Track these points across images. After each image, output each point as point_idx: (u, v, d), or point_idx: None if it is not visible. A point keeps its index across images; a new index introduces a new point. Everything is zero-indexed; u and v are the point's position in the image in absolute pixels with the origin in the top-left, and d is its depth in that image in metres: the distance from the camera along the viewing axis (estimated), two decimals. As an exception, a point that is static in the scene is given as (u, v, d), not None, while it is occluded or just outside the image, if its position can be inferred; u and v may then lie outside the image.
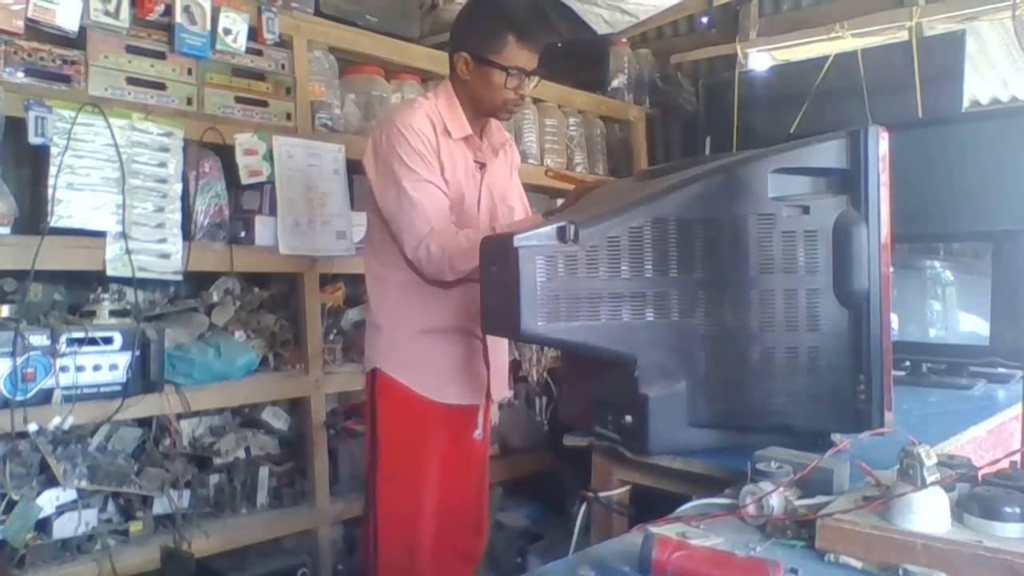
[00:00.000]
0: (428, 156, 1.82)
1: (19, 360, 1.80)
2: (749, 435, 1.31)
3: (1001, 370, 2.08)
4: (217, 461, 2.23)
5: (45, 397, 1.85)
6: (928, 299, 2.30)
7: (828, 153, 1.31)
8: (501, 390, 2.09)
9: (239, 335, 2.34)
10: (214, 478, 2.25)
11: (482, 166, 1.97)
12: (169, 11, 2.15)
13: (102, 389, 1.94)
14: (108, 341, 1.95)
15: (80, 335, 1.89)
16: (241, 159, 2.30)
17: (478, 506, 2.15)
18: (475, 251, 1.71)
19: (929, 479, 0.91)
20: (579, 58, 3.72)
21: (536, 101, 3.21)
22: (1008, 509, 0.89)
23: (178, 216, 2.17)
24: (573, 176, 2.99)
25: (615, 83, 3.62)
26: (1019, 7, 2.57)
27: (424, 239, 1.78)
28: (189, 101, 2.22)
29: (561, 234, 1.24)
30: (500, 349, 2.08)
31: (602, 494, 1.45)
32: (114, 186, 2.05)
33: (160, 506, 2.09)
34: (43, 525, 1.89)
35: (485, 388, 2.00)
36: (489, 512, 2.96)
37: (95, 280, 2.08)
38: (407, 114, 1.86)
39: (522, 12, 1.88)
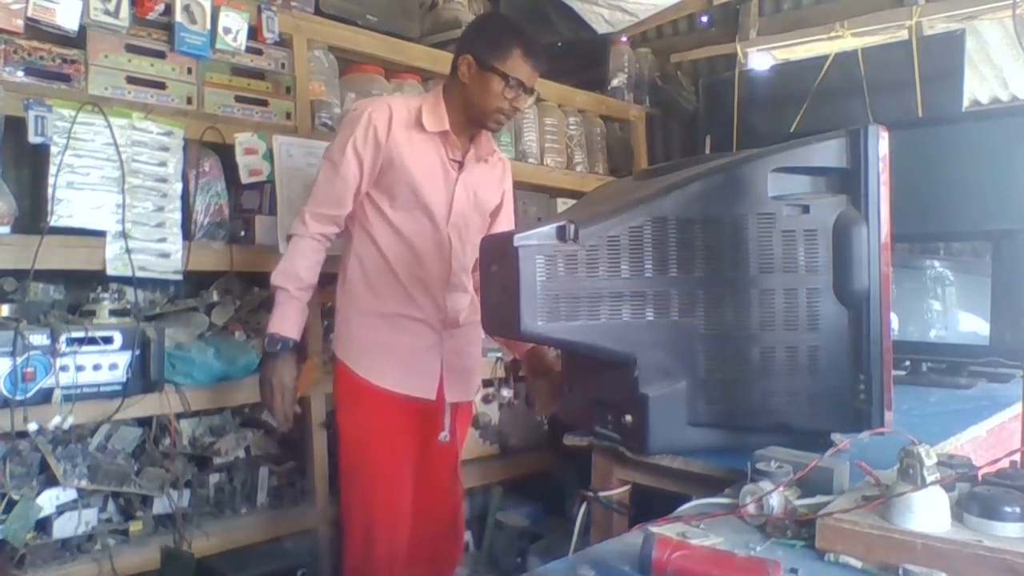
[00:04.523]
0: (363, 146, 1.90)
1: (19, 360, 1.80)
2: (749, 435, 1.31)
3: (1001, 370, 2.07)
4: (217, 461, 2.23)
5: (45, 397, 1.84)
6: (928, 299, 2.30)
7: (828, 152, 1.31)
8: (460, 393, 2.08)
9: (239, 335, 2.33)
10: (214, 478, 2.25)
11: (459, 165, 2.00)
12: (169, 10, 2.15)
13: (102, 389, 1.94)
14: (108, 341, 1.94)
15: (80, 335, 1.89)
16: (241, 158, 2.29)
17: (452, 510, 2.15)
18: (287, 256, 1.94)
19: (929, 479, 0.91)
20: (579, 57, 3.72)
21: (536, 101, 3.20)
22: (1008, 509, 0.89)
23: (178, 216, 2.17)
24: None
25: (615, 82, 3.62)
26: (1019, 6, 2.56)
27: (304, 210, 1.96)
28: (189, 100, 2.22)
29: (561, 233, 1.24)
30: (469, 351, 2.10)
31: (602, 494, 1.45)
32: (114, 185, 2.05)
33: (160, 506, 2.09)
34: (43, 525, 1.89)
35: (436, 385, 1.99)
36: (489, 512, 2.98)
37: (95, 280, 2.08)
38: (372, 103, 1.97)
39: (531, 32, 1.98)
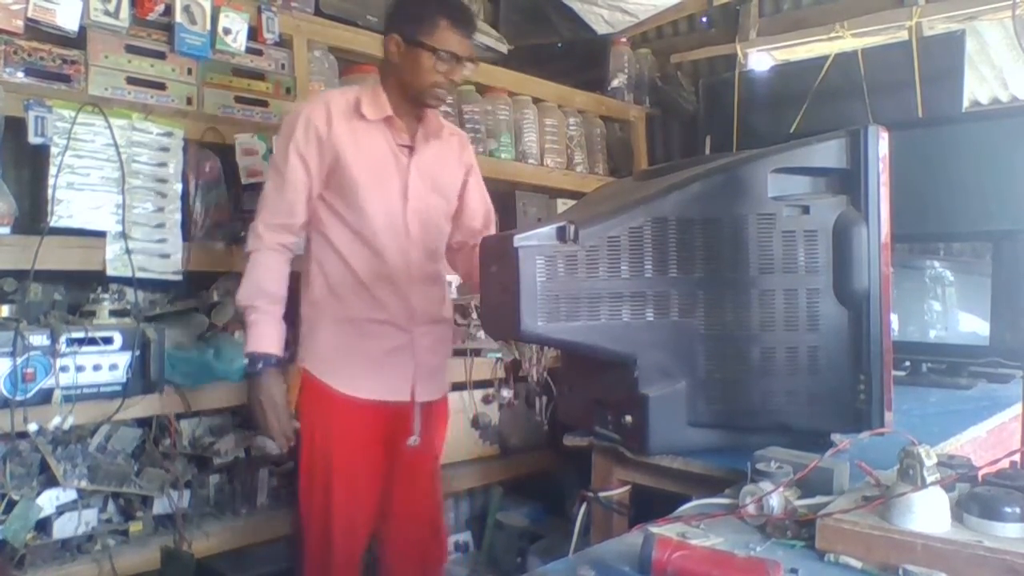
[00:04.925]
0: (305, 147, 1.84)
1: (19, 360, 1.80)
2: (749, 435, 1.31)
3: (1001, 370, 2.07)
4: (217, 461, 2.23)
5: (45, 397, 1.85)
6: (928, 299, 2.30)
7: (828, 153, 1.31)
8: (431, 391, 2.00)
9: (239, 335, 2.33)
10: (214, 478, 2.25)
11: (409, 149, 1.93)
12: (169, 11, 2.15)
13: (102, 389, 1.94)
14: (108, 341, 1.94)
15: (80, 335, 1.89)
16: (241, 159, 2.29)
17: (433, 512, 2.11)
18: (248, 274, 1.86)
19: (929, 479, 0.91)
20: (579, 58, 3.72)
21: (536, 101, 3.21)
22: (1008, 509, 0.89)
23: (178, 216, 2.17)
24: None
25: (615, 83, 3.62)
26: (1019, 7, 2.56)
27: (257, 222, 1.88)
28: (189, 101, 2.22)
29: (561, 234, 1.24)
30: (438, 348, 2.03)
31: (602, 494, 1.45)
32: (114, 186, 2.05)
33: (160, 506, 2.09)
34: (43, 525, 1.89)
35: (409, 386, 1.93)
36: (489, 512, 2.98)
37: (95, 280, 2.08)
38: (308, 103, 1.93)
39: (455, 1, 1.91)
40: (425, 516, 2.07)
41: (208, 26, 2.22)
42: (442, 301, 2.04)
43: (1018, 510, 0.89)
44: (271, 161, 1.93)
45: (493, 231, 2.13)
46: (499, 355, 2.83)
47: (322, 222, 1.90)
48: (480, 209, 2.12)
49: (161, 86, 2.17)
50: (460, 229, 2.10)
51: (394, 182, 1.90)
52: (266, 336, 1.85)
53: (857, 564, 0.91)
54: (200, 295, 2.35)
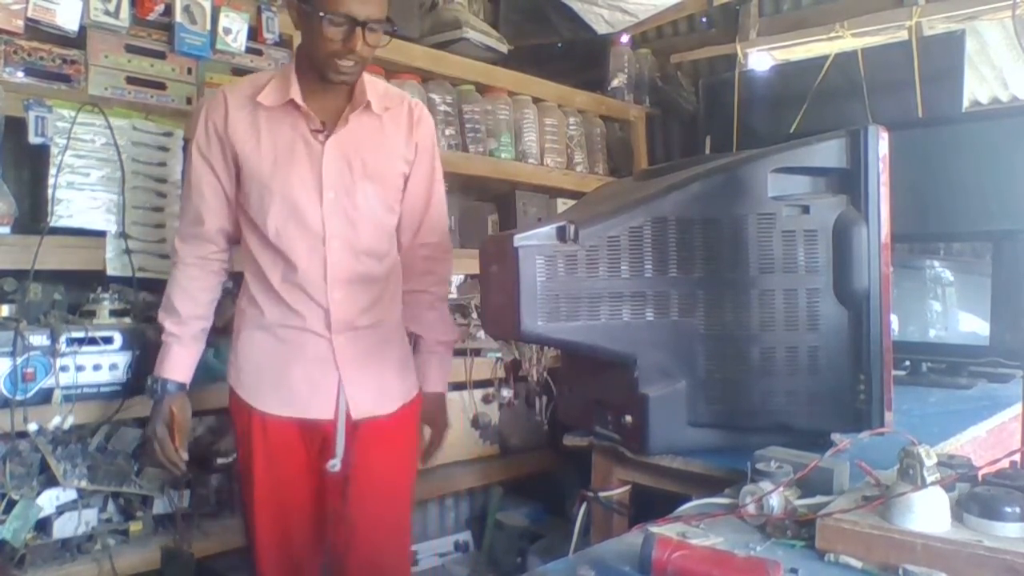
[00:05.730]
0: (207, 147, 1.69)
1: (19, 360, 1.80)
2: (749, 435, 1.31)
3: (1001, 370, 2.07)
4: (217, 461, 2.23)
5: (45, 397, 1.85)
6: (928, 299, 2.30)
7: (828, 153, 1.31)
8: (368, 407, 1.73)
9: (239, 335, 2.34)
10: (214, 478, 2.25)
11: (324, 133, 1.67)
12: (169, 11, 2.15)
13: (102, 389, 1.94)
14: (108, 341, 1.95)
15: (80, 335, 1.89)
16: (241, 159, 2.29)
17: (380, 544, 1.80)
18: (166, 289, 1.75)
19: (929, 479, 0.91)
20: (579, 57, 3.72)
21: (536, 101, 3.21)
22: (1008, 509, 0.89)
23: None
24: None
25: (615, 83, 3.62)
26: (1019, 7, 2.57)
27: (177, 235, 1.79)
28: (189, 101, 2.22)
29: (561, 234, 1.24)
30: (381, 355, 1.76)
31: (602, 494, 1.45)
32: (114, 186, 2.05)
33: (160, 506, 2.09)
34: (43, 525, 1.89)
35: (331, 401, 1.70)
36: (489, 512, 2.98)
37: (95, 280, 2.08)
38: (210, 96, 1.79)
39: None
40: (360, 545, 1.76)
41: (208, 26, 2.22)
42: (376, 302, 1.75)
43: (1018, 510, 0.89)
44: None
45: (436, 236, 1.86)
46: (499, 355, 2.84)
47: (243, 229, 1.74)
48: (418, 208, 1.81)
49: (161, 86, 2.17)
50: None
51: (304, 174, 1.65)
52: (167, 360, 1.74)
53: (857, 564, 0.91)
54: (200, 295, 2.35)
